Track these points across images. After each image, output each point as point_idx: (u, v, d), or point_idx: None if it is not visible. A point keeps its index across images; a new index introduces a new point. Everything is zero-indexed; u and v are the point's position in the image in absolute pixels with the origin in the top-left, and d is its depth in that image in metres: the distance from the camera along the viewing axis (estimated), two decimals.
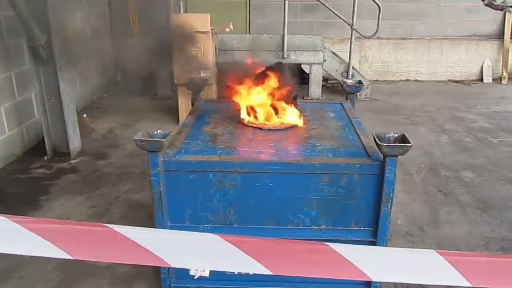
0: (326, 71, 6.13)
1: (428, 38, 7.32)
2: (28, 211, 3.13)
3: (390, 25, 7.13)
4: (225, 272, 2.10)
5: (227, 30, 5.22)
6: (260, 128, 2.36)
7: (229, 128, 2.39)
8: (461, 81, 7.26)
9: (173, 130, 2.07)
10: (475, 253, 1.08)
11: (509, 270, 0.95)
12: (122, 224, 1.06)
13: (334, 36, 6.99)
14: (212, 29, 4.79)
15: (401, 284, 2.31)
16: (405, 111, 5.62)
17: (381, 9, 5.61)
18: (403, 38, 7.31)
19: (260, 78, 2.47)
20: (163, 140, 1.89)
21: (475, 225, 2.99)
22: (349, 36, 6.03)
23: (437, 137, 4.69)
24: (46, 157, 3.99)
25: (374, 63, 7.32)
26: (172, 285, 2.16)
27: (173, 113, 5.10)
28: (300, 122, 2.42)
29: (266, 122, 2.39)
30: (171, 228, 2.04)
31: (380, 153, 1.90)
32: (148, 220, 2.77)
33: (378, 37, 6.48)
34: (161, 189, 1.95)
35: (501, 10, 3.38)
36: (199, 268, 2.06)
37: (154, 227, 1.99)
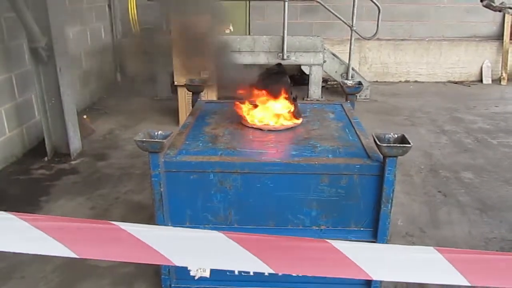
0: (326, 72, 6.14)
1: (427, 39, 7.33)
2: (29, 212, 3.12)
3: (390, 26, 7.15)
4: (225, 272, 2.11)
5: (227, 31, 5.23)
6: (261, 129, 2.37)
7: (230, 129, 2.39)
8: (461, 82, 7.28)
9: (173, 131, 2.08)
10: (474, 251, 1.09)
11: (507, 268, 0.96)
12: None
13: (333, 37, 7.00)
14: None
15: (401, 282, 2.32)
16: (405, 112, 5.63)
17: (381, 11, 5.62)
18: (402, 39, 7.32)
19: (261, 80, 2.48)
20: (164, 141, 1.90)
21: (475, 226, 3.00)
22: (349, 37, 6.04)
23: (436, 138, 4.69)
24: (46, 158, 4.00)
25: (374, 64, 7.33)
26: (173, 285, 2.16)
27: (173, 114, 5.11)
28: (300, 123, 2.43)
29: (266, 123, 2.39)
30: None
31: (380, 154, 1.91)
32: (148, 221, 2.78)
33: (378, 38, 6.49)
34: (161, 189, 1.96)
35: (499, 11, 3.39)
36: (201, 268, 2.06)
37: None
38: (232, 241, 0.98)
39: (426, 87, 7.07)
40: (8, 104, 3.93)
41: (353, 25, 5.84)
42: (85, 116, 4.90)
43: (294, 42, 5.75)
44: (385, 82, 7.30)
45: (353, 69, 6.18)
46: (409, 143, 1.85)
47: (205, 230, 1.06)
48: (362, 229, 2.04)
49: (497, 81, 7.26)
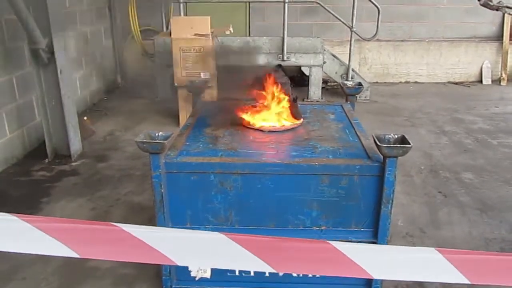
0: (326, 73, 6.15)
1: (427, 40, 7.34)
2: (29, 213, 3.13)
3: (389, 27, 7.15)
4: (226, 273, 2.12)
5: (227, 32, 5.23)
6: (261, 130, 2.38)
7: (230, 129, 2.40)
8: (461, 83, 7.28)
9: (174, 132, 2.08)
10: (474, 251, 1.09)
11: (508, 268, 0.96)
12: None
13: (333, 38, 7.00)
14: (212, 32, 4.81)
15: (401, 282, 2.32)
16: (405, 113, 5.63)
17: (381, 12, 5.62)
18: (402, 40, 7.33)
19: (261, 81, 2.48)
20: (164, 142, 1.90)
21: (475, 226, 3.00)
22: (349, 39, 6.05)
23: (436, 138, 4.70)
24: (47, 159, 4.00)
25: (374, 65, 7.34)
26: (174, 286, 2.17)
27: (174, 115, 5.11)
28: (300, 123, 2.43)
29: (266, 124, 2.40)
30: None
31: (380, 154, 1.91)
32: (149, 222, 2.78)
33: (378, 39, 6.50)
34: (162, 190, 1.96)
35: (496, 10, 3.38)
36: (201, 269, 2.07)
37: None
38: (233, 242, 0.98)
39: (426, 87, 7.07)
40: (8, 106, 3.93)
41: (353, 26, 5.84)
42: (85, 118, 4.90)
43: (294, 43, 5.75)
44: (385, 83, 7.31)
45: (353, 70, 6.18)
46: (409, 144, 1.86)
47: (206, 231, 1.06)
48: (362, 229, 2.05)
49: (497, 81, 7.26)
